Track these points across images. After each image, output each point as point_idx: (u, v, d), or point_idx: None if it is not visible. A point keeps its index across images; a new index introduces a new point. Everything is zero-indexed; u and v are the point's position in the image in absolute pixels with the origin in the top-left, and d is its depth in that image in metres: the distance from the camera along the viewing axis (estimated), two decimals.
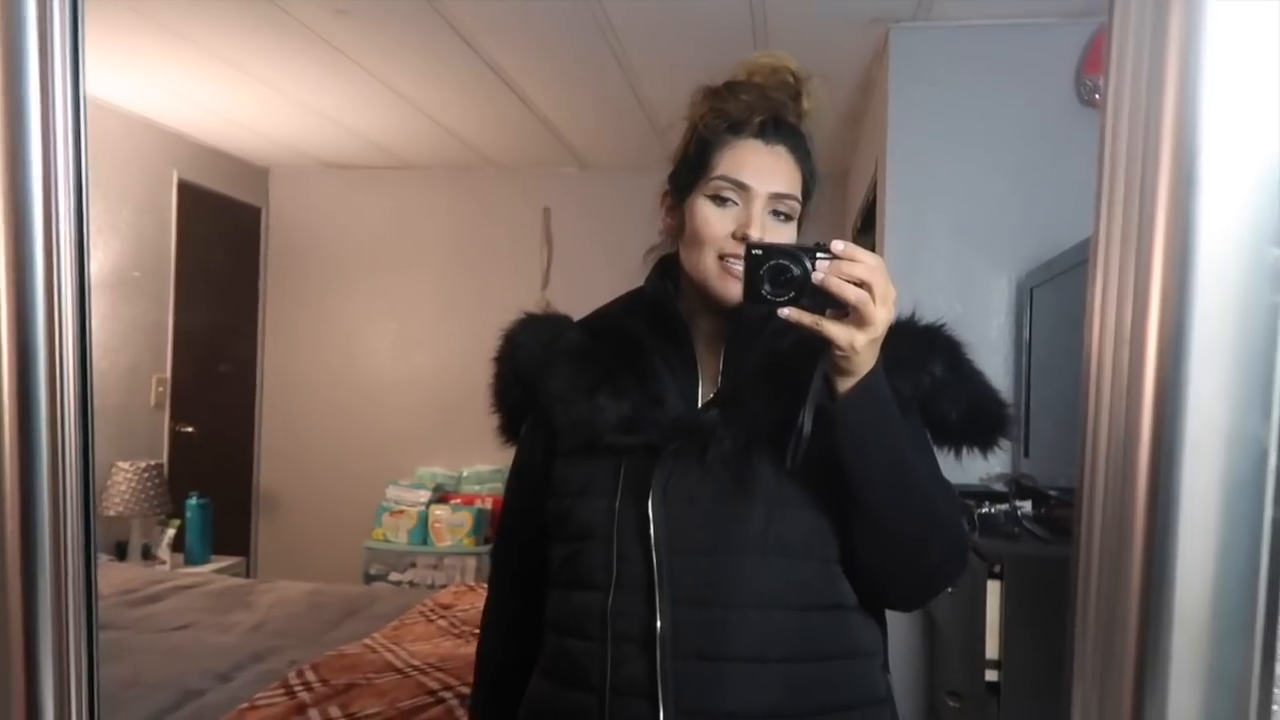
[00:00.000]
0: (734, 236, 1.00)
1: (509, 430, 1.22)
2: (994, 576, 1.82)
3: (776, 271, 0.90)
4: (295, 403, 4.83)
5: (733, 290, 0.99)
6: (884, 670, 1.10)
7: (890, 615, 2.81)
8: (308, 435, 4.79)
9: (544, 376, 1.11)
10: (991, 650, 1.82)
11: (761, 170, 1.02)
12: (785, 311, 0.90)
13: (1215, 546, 0.43)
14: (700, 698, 0.96)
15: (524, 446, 1.19)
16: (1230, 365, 0.43)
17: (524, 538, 1.17)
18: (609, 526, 1.02)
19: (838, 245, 0.90)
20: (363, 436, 4.69)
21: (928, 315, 2.87)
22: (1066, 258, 2.03)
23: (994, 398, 1.09)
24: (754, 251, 0.92)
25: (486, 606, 1.26)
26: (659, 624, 0.97)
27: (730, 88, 1.07)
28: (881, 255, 2.61)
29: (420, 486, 4.27)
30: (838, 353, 0.90)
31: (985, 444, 1.10)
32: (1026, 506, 2.18)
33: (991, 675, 1.82)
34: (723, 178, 1.02)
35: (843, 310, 0.89)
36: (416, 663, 2.05)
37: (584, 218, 4.49)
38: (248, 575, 4.26)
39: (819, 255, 0.90)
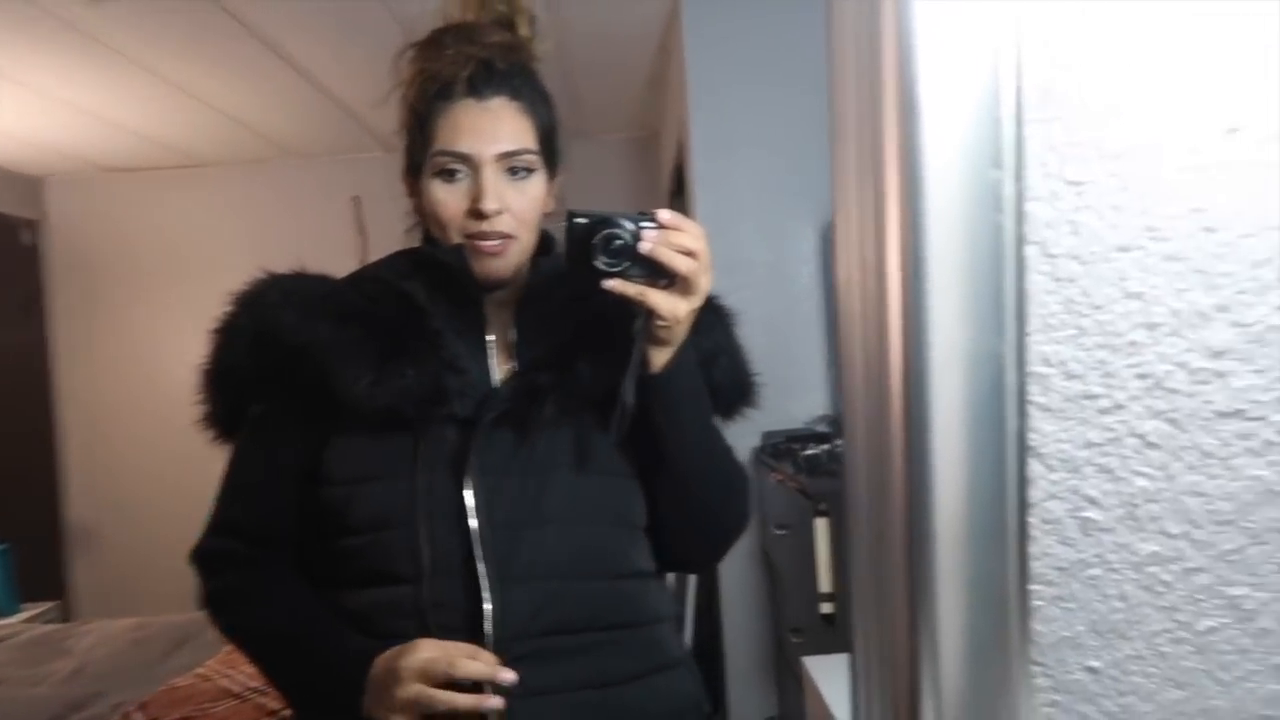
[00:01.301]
0: (471, 213, 0.95)
1: (226, 421, 1.04)
2: (820, 514, 1.90)
3: (608, 240, 0.89)
4: (100, 427, 4.47)
5: (490, 269, 0.97)
6: (679, 633, 1.14)
7: (733, 563, 2.88)
8: (118, 460, 4.45)
9: (314, 343, 0.96)
10: (824, 584, 1.91)
11: (480, 133, 0.95)
12: (611, 283, 0.89)
13: (966, 459, 0.46)
14: (537, 675, 0.94)
15: (266, 430, 1.03)
16: (964, 285, 0.45)
17: (270, 535, 1.03)
18: (410, 510, 0.94)
19: (664, 214, 0.90)
20: (180, 453, 4.38)
21: (744, 267, 2.93)
22: None
23: (750, 368, 1.12)
24: (577, 220, 0.90)
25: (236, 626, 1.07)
26: (487, 606, 0.93)
27: (435, 40, 0.99)
28: (693, 214, 2.66)
29: None
30: (660, 323, 0.91)
31: (738, 412, 1.13)
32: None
33: (826, 607, 1.91)
34: (442, 152, 0.96)
35: (667, 280, 0.89)
36: (255, 684, 1.95)
37: (397, 202, 4.33)
38: (65, 620, 3.93)
39: (643, 224, 0.89)
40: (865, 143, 0.45)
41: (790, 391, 2.63)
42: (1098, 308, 0.53)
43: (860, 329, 0.46)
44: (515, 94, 0.98)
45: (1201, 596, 0.57)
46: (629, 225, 0.90)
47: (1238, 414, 0.55)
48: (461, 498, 0.94)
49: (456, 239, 0.97)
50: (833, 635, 1.90)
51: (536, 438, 0.97)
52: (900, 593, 0.46)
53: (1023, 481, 0.48)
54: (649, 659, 1.03)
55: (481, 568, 0.93)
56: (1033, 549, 0.55)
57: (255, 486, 1.03)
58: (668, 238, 0.89)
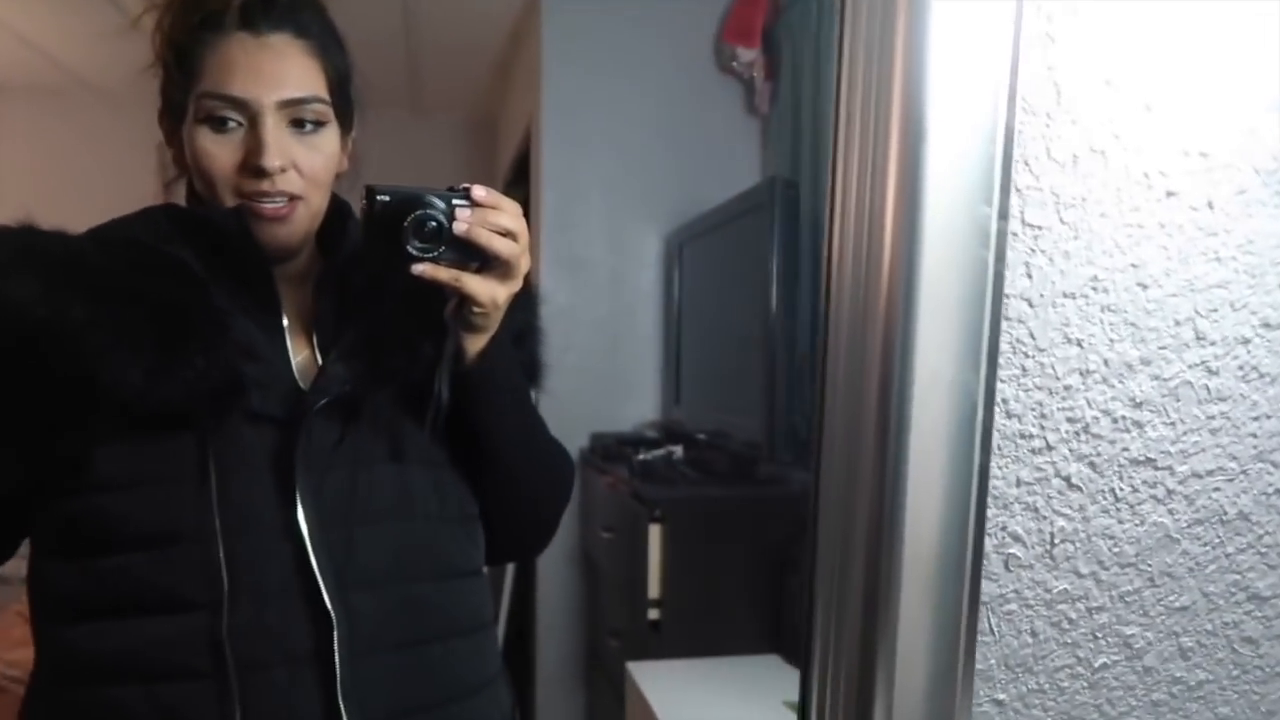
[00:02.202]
0: (247, 170, 0.80)
1: None
2: (655, 520, 1.90)
3: (420, 223, 0.79)
4: None
5: (272, 236, 0.83)
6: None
7: (552, 564, 2.83)
8: None
9: (68, 322, 0.76)
10: (654, 590, 1.91)
11: (258, 74, 0.80)
12: (422, 268, 0.79)
13: (941, 486, 0.45)
14: (393, 695, 0.83)
15: None
16: (950, 317, 0.44)
17: None
18: (203, 522, 0.77)
19: (479, 191, 0.80)
20: None
21: (586, 267, 2.89)
22: (712, 217, 2.15)
23: (541, 351, 1.04)
24: (379, 198, 0.79)
25: None
26: (334, 622, 0.79)
27: None
28: (539, 207, 2.61)
29: None
30: (477, 310, 0.82)
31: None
32: (679, 451, 2.31)
33: (654, 613, 1.91)
34: (211, 94, 0.79)
35: (479, 261, 0.82)
36: (13, 673, 1.73)
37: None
38: None
39: (456, 202, 0.80)
40: (866, 168, 0.43)
41: (622, 394, 2.63)
42: (1041, 350, 0.54)
43: (845, 347, 0.44)
44: (301, 30, 0.83)
45: (1100, 634, 0.60)
46: (440, 204, 0.80)
47: (1149, 462, 0.57)
48: (280, 506, 0.79)
49: (229, 199, 0.81)
50: (657, 641, 1.90)
51: (355, 433, 0.85)
52: (861, 613, 0.45)
53: (981, 515, 0.48)
54: (483, 670, 0.95)
55: (320, 581, 0.79)
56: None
57: None
58: (484, 217, 0.80)
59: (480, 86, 3.79)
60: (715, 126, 2.54)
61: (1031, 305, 0.53)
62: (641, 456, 2.20)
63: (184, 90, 0.81)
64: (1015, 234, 0.52)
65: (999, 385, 0.53)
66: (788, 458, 1.84)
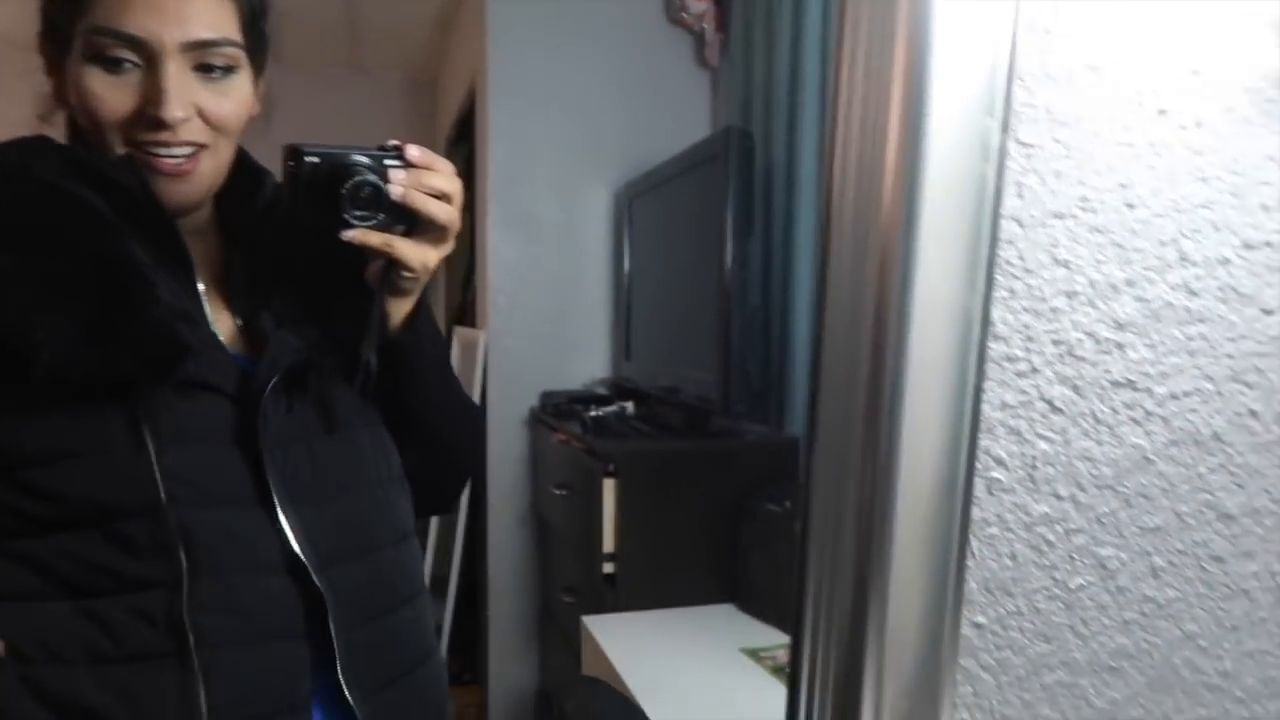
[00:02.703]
0: (144, 118, 0.72)
1: None
2: (609, 475, 1.90)
3: (357, 189, 0.75)
4: None
5: (172, 192, 0.76)
6: None
7: (502, 523, 2.82)
8: None
9: None
10: (608, 544, 1.91)
11: (160, 10, 0.70)
12: (352, 234, 0.76)
13: (937, 412, 0.45)
14: (376, 666, 0.81)
15: None
16: (951, 236, 0.43)
17: None
18: (151, 495, 0.71)
19: (413, 151, 0.78)
20: None
21: (534, 224, 2.85)
22: (663, 170, 2.13)
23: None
24: (309, 159, 0.75)
25: None
26: (327, 599, 0.77)
27: None
28: (486, 165, 2.56)
29: None
30: (407, 274, 0.80)
31: None
32: (630, 407, 2.31)
33: (608, 567, 1.92)
34: (103, 30, 0.70)
35: (412, 225, 0.78)
36: None
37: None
38: None
39: (388, 162, 0.76)
40: (870, 84, 0.42)
41: (571, 353, 2.61)
42: (1029, 272, 0.54)
43: (850, 264, 0.43)
44: None
45: (1076, 556, 0.61)
46: (369, 163, 0.76)
47: (1129, 384, 0.58)
48: (242, 480, 0.76)
49: (118, 147, 0.74)
50: (612, 595, 1.91)
51: (302, 402, 0.81)
52: (856, 533, 0.44)
53: (973, 441, 0.48)
54: (431, 628, 0.94)
55: (304, 559, 0.76)
56: None
57: None
58: (420, 179, 0.77)
59: (421, 43, 3.70)
60: (665, 79, 2.52)
61: (1022, 225, 0.53)
62: (593, 413, 2.19)
63: (70, 18, 0.72)
64: (1008, 152, 0.51)
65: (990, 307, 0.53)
66: (741, 410, 1.85)
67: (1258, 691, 0.68)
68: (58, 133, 0.81)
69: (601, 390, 2.57)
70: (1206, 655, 0.66)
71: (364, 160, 0.76)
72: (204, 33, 0.73)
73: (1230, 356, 0.59)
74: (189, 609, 0.71)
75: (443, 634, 2.76)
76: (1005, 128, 0.45)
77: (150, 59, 0.71)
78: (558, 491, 2.21)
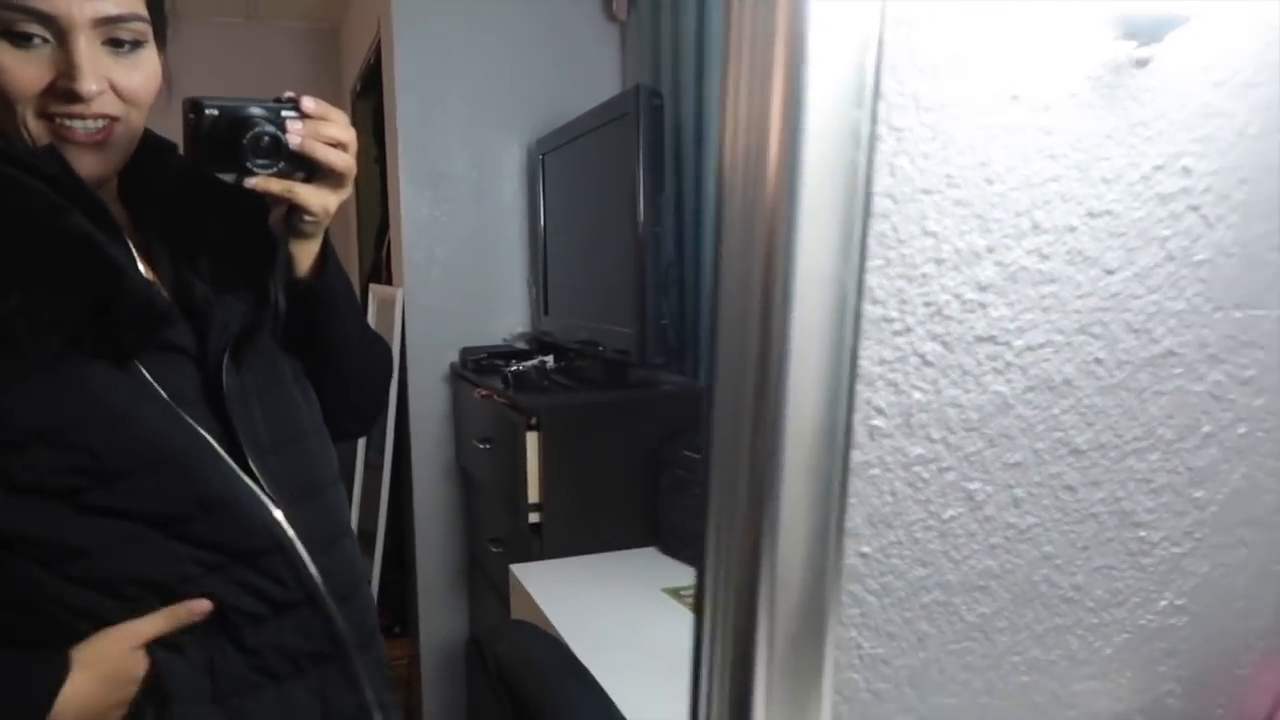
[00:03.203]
0: (55, 91, 0.73)
1: None
2: (532, 428, 1.95)
3: (257, 140, 0.79)
4: None
5: (89, 165, 0.77)
6: None
7: (427, 477, 2.84)
8: None
9: None
10: (533, 495, 1.97)
11: None
12: (255, 181, 0.80)
13: (817, 368, 0.51)
14: (336, 581, 0.89)
15: None
16: (827, 215, 0.49)
17: None
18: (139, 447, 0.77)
19: (308, 103, 0.82)
20: None
21: (447, 181, 2.83)
22: (575, 126, 2.15)
23: None
24: (208, 111, 0.78)
25: None
26: (289, 529, 0.85)
27: None
28: (394, 120, 2.53)
29: None
30: (308, 219, 0.85)
31: None
32: (550, 360, 2.35)
33: (534, 517, 1.97)
34: (12, 6, 0.70)
35: (310, 172, 0.83)
36: None
37: None
38: None
39: (286, 114, 0.80)
40: (757, 77, 0.47)
41: (489, 308, 2.63)
42: (902, 242, 0.60)
43: (735, 253, 0.49)
44: None
45: (948, 491, 0.68)
46: (266, 114, 0.80)
47: (991, 339, 0.65)
48: (200, 434, 0.81)
49: (32, 121, 0.74)
50: (539, 543, 1.97)
51: (248, 360, 0.87)
52: (750, 475, 0.50)
53: (851, 393, 0.54)
54: (361, 566, 1.01)
55: (269, 492, 0.84)
56: None
57: None
58: (316, 129, 0.81)
59: None
60: (574, 33, 2.51)
61: (895, 201, 0.59)
62: (514, 368, 2.23)
63: None
64: (881, 137, 0.57)
65: (864, 276, 0.59)
66: (658, 361, 1.91)
67: (1106, 601, 0.78)
68: None
69: (521, 345, 2.60)
70: (1062, 572, 0.75)
71: (261, 112, 0.80)
72: (113, 8, 0.75)
73: (1078, 312, 0.67)
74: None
75: (372, 588, 2.79)
76: (874, 118, 0.50)
77: (60, 34, 0.73)
78: (481, 445, 2.25)
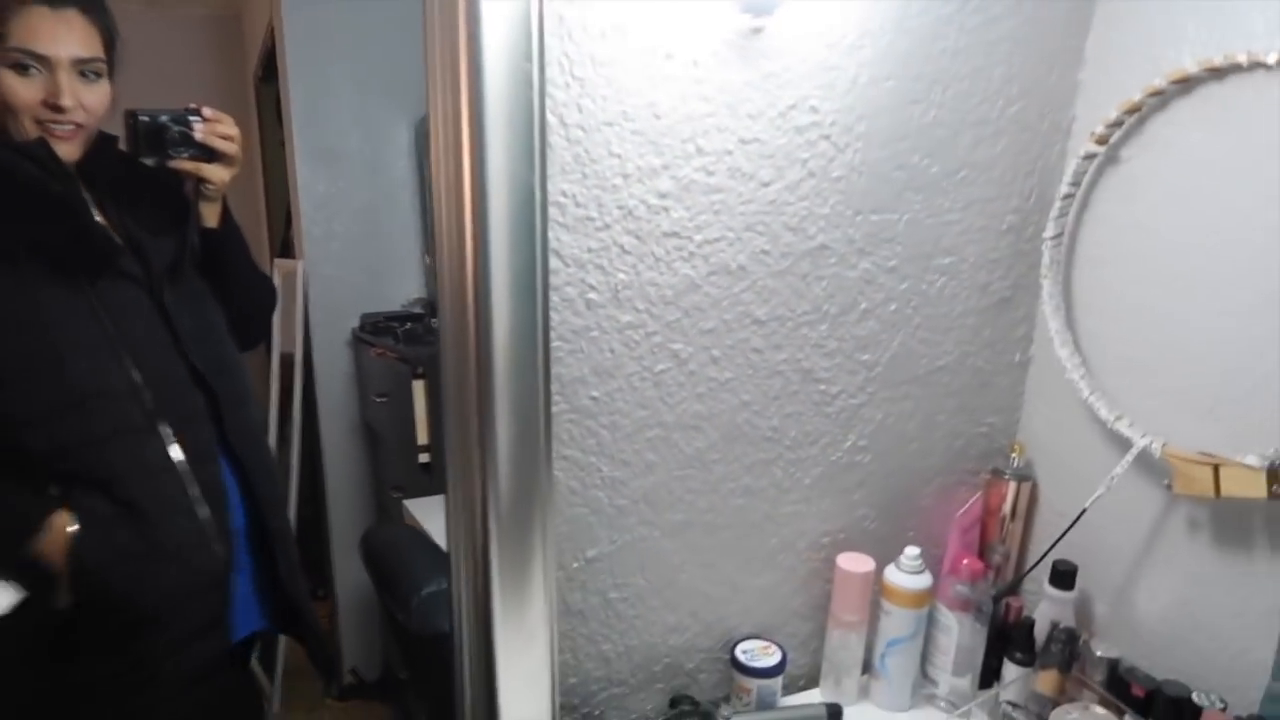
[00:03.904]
0: (45, 104, 1.07)
1: None
2: (418, 377, 2.16)
3: (173, 135, 1.18)
4: None
5: (65, 151, 1.10)
6: None
7: (334, 435, 3.00)
8: None
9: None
10: (422, 437, 2.17)
11: (57, 39, 1.07)
12: (177, 163, 1.18)
13: (508, 248, 0.73)
14: (245, 433, 1.24)
15: None
16: (510, 137, 0.72)
17: None
18: (113, 348, 1.11)
19: (207, 111, 1.20)
20: None
21: (341, 159, 2.99)
22: None
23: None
24: (141, 119, 1.17)
25: None
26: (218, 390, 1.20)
27: None
28: (288, 103, 2.69)
29: None
30: (209, 188, 1.22)
31: None
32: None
33: (424, 457, 2.18)
34: (19, 49, 1.05)
35: (215, 156, 1.20)
36: None
37: None
38: None
39: (192, 118, 1.19)
40: (447, 39, 0.69)
41: (386, 277, 2.81)
42: (594, 161, 0.83)
43: (444, 170, 0.71)
44: (86, 9, 1.11)
45: (656, 351, 0.92)
46: (180, 117, 1.18)
47: (675, 235, 0.89)
48: (166, 334, 1.15)
49: (28, 124, 1.08)
50: (428, 481, 2.18)
51: (180, 284, 1.20)
52: (475, 342, 0.73)
53: (545, 270, 0.76)
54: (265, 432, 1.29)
55: (202, 369, 1.17)
56: (555, 318, 0.86)
57: None
58: (213, 127, 1.19)
59: None
60: None
61: (585, 131, 0.82)
62: (406, 327, 2.43)
63: None
64: (568, 84, 0.80)
65: (568, 187, 0.82)
66: None
67: (800, 441, 1.03)
68: None
69: (417, 310, 2.79)
70: (760, 416, 1.00)
71: (173, 116, 1.18)
72: (84, 53, 1.10)
73: (743, 214, 0.91)
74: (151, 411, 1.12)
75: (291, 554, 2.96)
76: (541, 68, 0.73)
77: (50, 68, 1.08)
78: (379, 399, 2.45)
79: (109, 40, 1.15)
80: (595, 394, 0.90)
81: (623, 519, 0.96)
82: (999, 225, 1.05)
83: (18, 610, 1.02)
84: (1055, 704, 1.00)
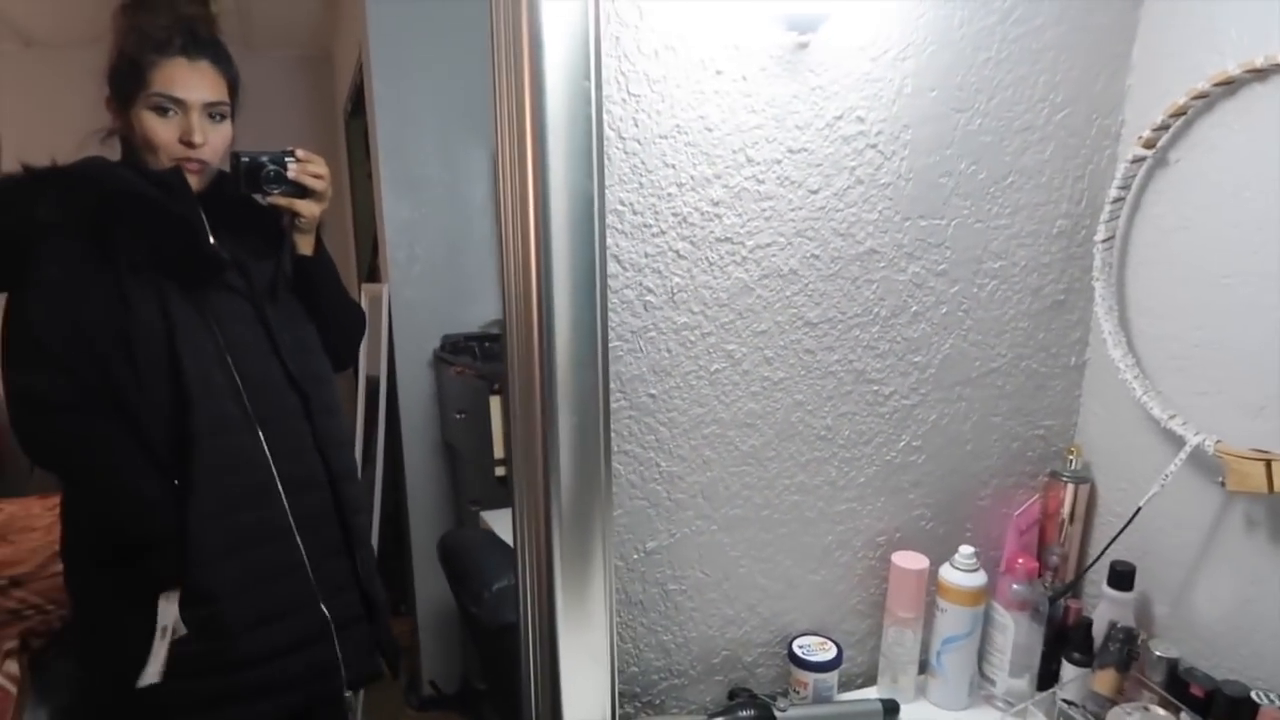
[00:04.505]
0: (181, 142, 1.24)
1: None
2: (495, 393, 2.24)
3: (269, 173, 1.32)
4: None
5: (193, 182, 1.26)
6: None
7: (416, 454, 3.12)
8: None
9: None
10: (498, 452, 2.25)
11: (191, 86, 1.24)
12: (273, 199, 1.32)
13: (569, 254, 0.79)
14: (327, 433, 1.37)
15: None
16: (570, 151, 0.78)
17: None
18: (219, 353, 1.26)
19: (301, 153, 1.34)
20: None
21: (424, 185, 3.13)
22: None
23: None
24: (243, 159, 1.31)
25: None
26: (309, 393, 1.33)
27: (144, 6, 1.25)
28: (375, 134, 2.84)
29: None
30: (301, 221, 1.36)
31: None
32: None
33: (500, 470, 2.26)
34: (161, 94, 1.22)
35: (307, 193, 1.34)
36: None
37: (33, 101, 3.99)
38: None
39: (287, 159, 1.33)
40: (512, 59, 0.76)
41: (466, 299, 2.92)
42: (650, 171, 0.89)
43: (510, 182, 0.77)
44: (216, 59, 1.28)
45: (711, 351, 0.97)
46: (277, 160, 1.32)
47: (728, 240, 0.94)
48: (266, 343, 1.30)
49: (165, 159, 1.24)
50: (505, 496, 2.26)
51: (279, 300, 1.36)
52: (537, 343, 0.79)
53: (604, 274, 0.82)
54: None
55: (295, 375, 1.31)
56: (613, 319, 0.92)
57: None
58: (305, 167, 1.33)
59: (310, 21, 3.92)
60: None
61: (640, 143, 0.88)
62: (483, 345, 2.53)
63: (134, 87, 1.23)
64: (624, 100, 0.86)
65: (625, 195, 0.88)
66: None
67: (852, 440, 1.06)
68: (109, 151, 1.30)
69: (495, 330, 2.89)
70: (814, 416, 1.04)
71: (272, 156, 1.32)
72: (212, 96, 1.26)
73: (793, 220, 0.96)
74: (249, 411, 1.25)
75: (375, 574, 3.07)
76: (598, 86, 0.79)
77: (186, 110, 1.24)
78: (458, 416, 2.55)
79: (234, 87, 1.32)
80: (653, 391, 0.95)
81: (680, 513, 1.00)
82: (1050, 229, 1.08)
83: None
84: (1113, 704, 1.01)
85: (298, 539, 1.26)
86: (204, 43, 1.27)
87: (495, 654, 1.29)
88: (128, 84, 1.24)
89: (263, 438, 1.24)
